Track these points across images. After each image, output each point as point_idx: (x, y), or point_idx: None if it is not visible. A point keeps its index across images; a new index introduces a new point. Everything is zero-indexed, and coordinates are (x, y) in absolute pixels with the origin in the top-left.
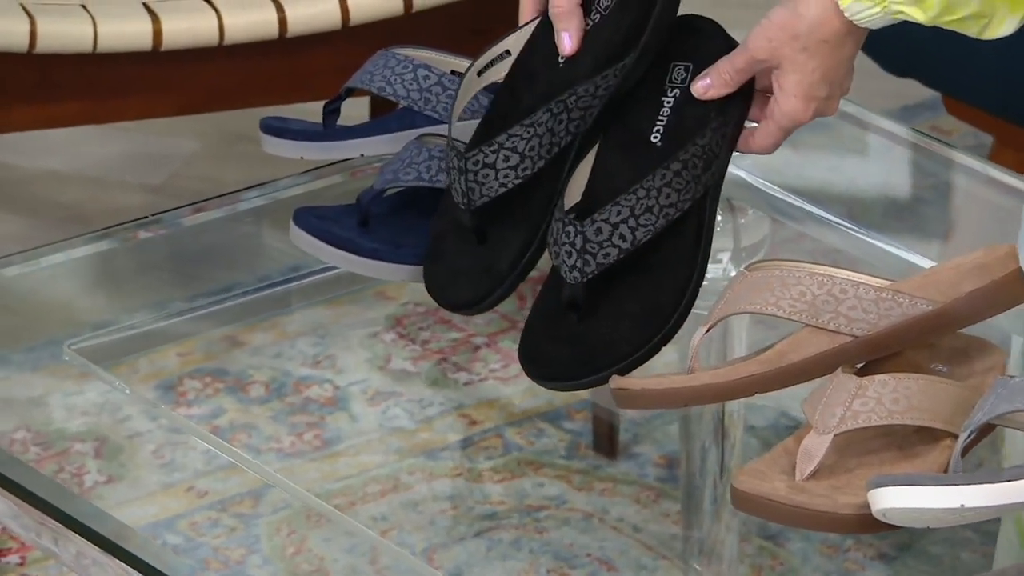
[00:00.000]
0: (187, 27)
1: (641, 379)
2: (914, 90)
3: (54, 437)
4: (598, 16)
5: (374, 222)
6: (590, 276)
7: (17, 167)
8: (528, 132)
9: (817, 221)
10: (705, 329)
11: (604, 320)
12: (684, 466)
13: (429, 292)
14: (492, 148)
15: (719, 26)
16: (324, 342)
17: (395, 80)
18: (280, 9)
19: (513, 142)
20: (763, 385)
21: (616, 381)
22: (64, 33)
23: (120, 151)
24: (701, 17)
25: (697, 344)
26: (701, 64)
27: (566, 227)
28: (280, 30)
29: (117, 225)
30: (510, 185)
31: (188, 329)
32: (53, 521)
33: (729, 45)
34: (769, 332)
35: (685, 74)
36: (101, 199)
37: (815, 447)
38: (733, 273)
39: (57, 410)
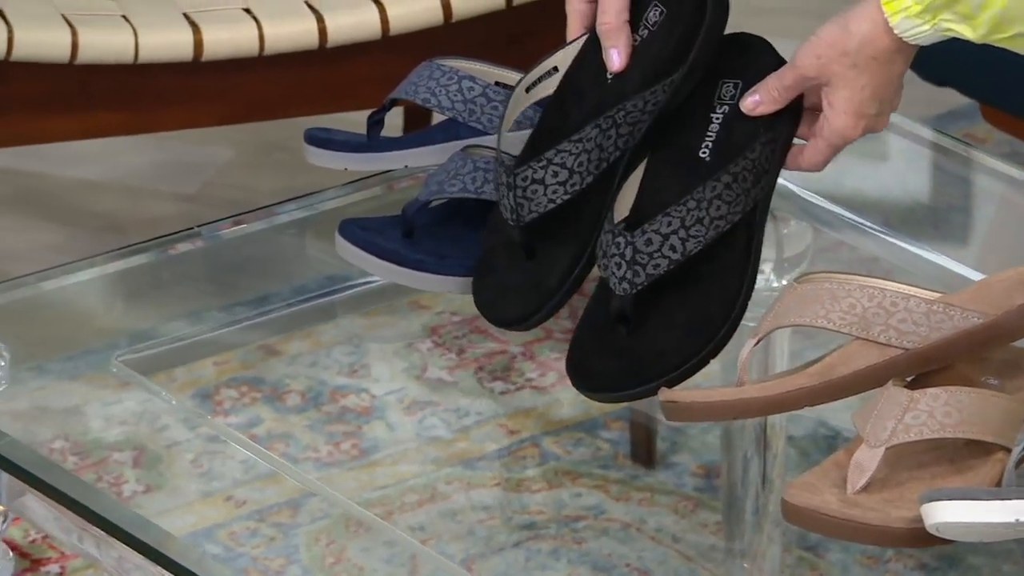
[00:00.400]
0: (228, 37)
1: (690, 392)
2: (948, 97)
3: (92, 446)
4: (646, 32)
5: (419, 234)
6: (639, 288)
7: (52, 176)
8: (577, 147)
9: (854, 229)
10: (754, 342)
11: (652, 332)
12: (726, 476)
13: (479, 308)
14: (541, 164)
15: (769, 43)
16: (360, 351)
17: (439, 91)
18: (320, 19)
19: (562, 157)
20: (813, 398)
21: (665, 394)
22: (105, 43)
23: (154, 160)
24: (751, 34)
25: (746, 357)
26: (751, 81)
27: (616, 238)
28: (320, 40)
29: (160, 237)
30: (559, 201)
31: (225, 339)
32: (95, 528)
33: (779, 62)
34: (807, 342)
35: (734, 91)
36: (136, 208)
37: (867, 460)
38: (776, 284)
39: (95, 419)
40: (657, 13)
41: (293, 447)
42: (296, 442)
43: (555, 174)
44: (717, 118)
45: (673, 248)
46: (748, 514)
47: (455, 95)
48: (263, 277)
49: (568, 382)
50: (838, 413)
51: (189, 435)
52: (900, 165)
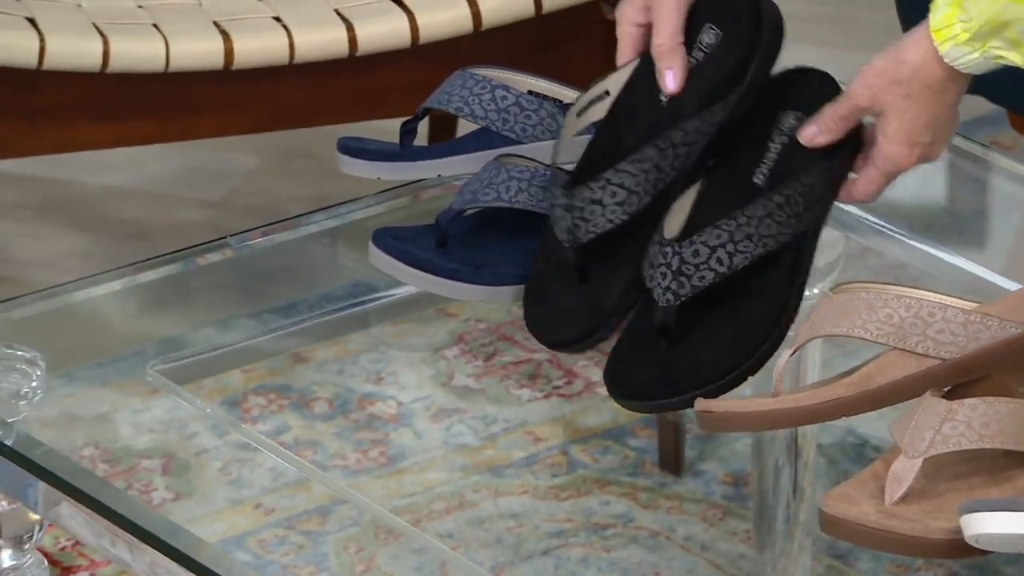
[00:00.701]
0: (259, 46)
1: (725, 402)
2: (974, 104)
3: (121, 454)
4: (701, 54)
5: (453, 243)
6: (683, 299)
7: (78, 183)
8: (636, 168)
9: (880, 234)
10: (790, 352)
11: (693, 345)
12: (756, 485)
13: (531, 331)
14: (599, 184)
15: (831, 77)
16: (386, 358)
17: (473, 100)
18: (351, 27)
19: (621, 177)
20: (850, 408)
21: (701, 404)
22: (137, 52)
23: (179, 167)
24: (814, 68)
25: (782, 367)
26: (810, 113)
27: (663, 248)
28: (350, 48)
29: (190, 247)
30: (617, 221)
31: (254, 347)
32: (129, 535)
33: (826, 80)
34: (837, 351)
35: (795, 123)
36: (162, 215)
37: (905, 471)
38: (808, 292)
39: (124, 427)
40: (713, 35)
41: (321, 454)
42: (324, 450)
43: (613, 194)
44: (775, 147)
45: (720, 261)
46: (779, 523)
47: (488, 104)
48: (290, 285)
49: (595, 390)
50: (867, 421)
51: (217, 442)
52: (926, 170)
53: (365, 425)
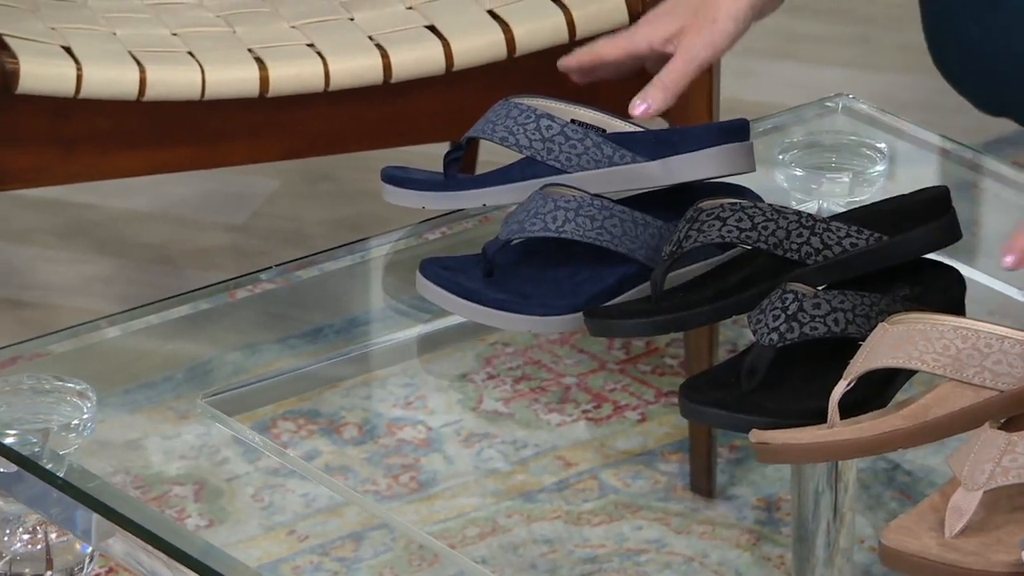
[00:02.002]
0: (294, 73)
1: (781, 432)
2: (999, 126)
3: (153, 480)
4: None
5: (499, 273)
6: (787, 343)
7: (101, 207)
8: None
9: None
10: (846, 383)
11: (774, 391)
12: (796, 510)
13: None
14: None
15: (959, 274)
16: (415, 382)
17: (517, 130)
18: (385, 55)
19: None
20: (907, 440)
21: (756, 435)
22: (173, 80)
23: (202, 191)
24: (945, 264)
25: (837, 398)
26: (927, 292)
27: (785, 295)
28: (385, 75)
29: (223, 281)
30: (731, 240)
31: (305, 375)
32: (183, 566)
33: (958, 280)
34: None
35: (908, 292)
36: (186, 239)
37: (965, 504)
38: None
39: (155, 453)
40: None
41: (352, 480)
42: (355, 475)
43: (740, 220)
44: (886, 301)
45: (836, 321)
46: (819, 548)
47: (533, 134)
48: (320, 311)
49: (623, 414)
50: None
51: (249, 468)
52: (958, 193)
53: (395, 450)
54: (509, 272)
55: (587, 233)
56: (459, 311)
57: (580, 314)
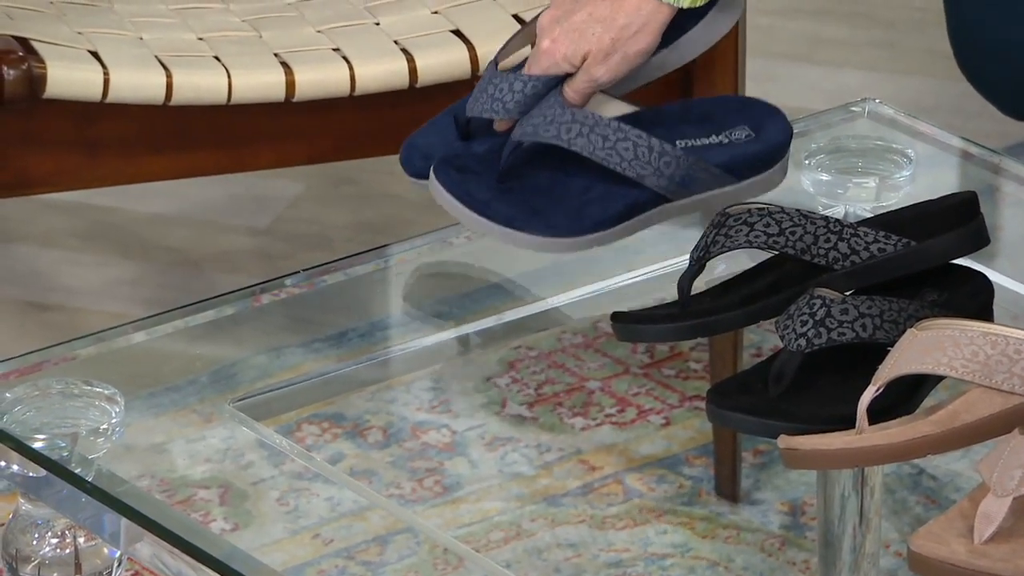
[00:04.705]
0: (320, 78)
1: (810, 438)
2: (1019, 129)
3: (178, 484)
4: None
5: (511, 175)
6: (815, 348)
7: (123, 210)
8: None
9: None
10: (874, 389)
11: (802, 397)
12: (822, 514)
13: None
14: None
15: (987, 279)
16: (439, 386)
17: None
18: (411, 59)
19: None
20: (936, 446)
21: (784, 441)
22: (199, 85)
23: (224, 194)
24: (972, 270)
25: (865, 404)
26: (953, 299)
27: (813, 300)
28: (411, 80)
29: (247, 287)
30: (758, 245)
31: (333, 379)
32: (212, 572)
33: (986, 285)
34: None
35: (936, 298)
36: (209, 242)
37: (995, 510)
38: None
39: (180, 457)
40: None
41: (376, 484)
42: (379, 479)
43: (767, 225)
44: (914, 307)
45: (864, 327)
46: (845, 552)
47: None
48: (344, 314)
49: (647, 418)
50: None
51: (274, 472)
52: (984, 198)
53: (419, 454)
54: (522, 176)
55: (597, 152)
56: (468, 223)
57: (583, 238)
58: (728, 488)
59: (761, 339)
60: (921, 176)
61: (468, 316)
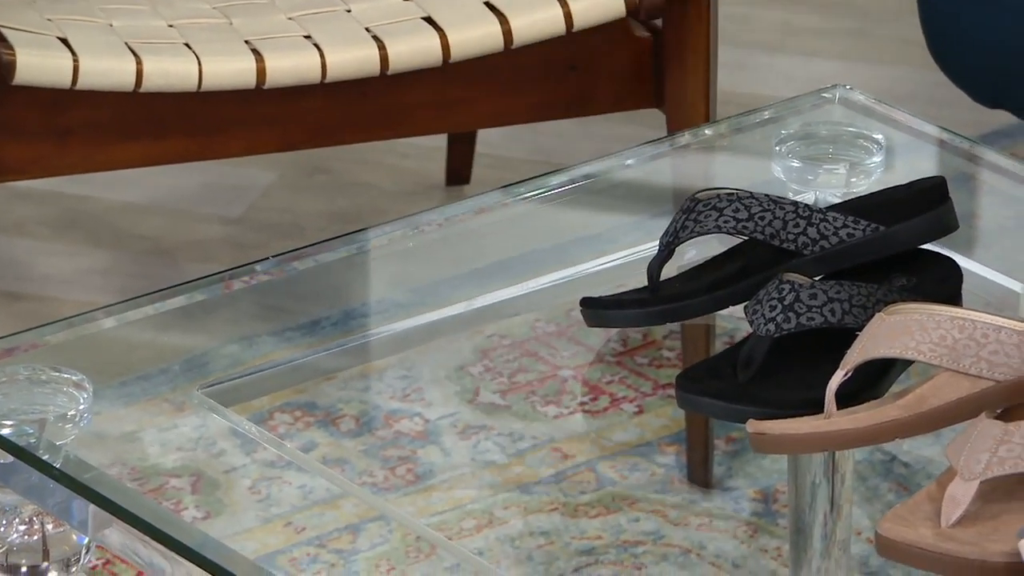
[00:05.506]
0: (291, 65)
1: (779, 423)
2: (991, 117)
3: (150, 472)
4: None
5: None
6: (784, 333)
7: (97, 199)
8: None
9: None
10: (843, 373)
11: (770, 383)
12: (793, 502)
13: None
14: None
15: (956, 264)
16: (412, 375)
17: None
18: (382, 46)
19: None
20: (904, 430)
21: (753, 425)
22: (170, 72)
23: (197, 183)
24: (942, 255)
25: (834, 388)
26: (922, 284)
27: (782, 285)
28: (382, 67)
29: (217, 273)
30: (728, 231)
31: (302, 365)
32: (183, 558)
33: (955, 271)
34: None
35: (905, 283)
36: (181, 231)
37: (962, 494)
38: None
39: (152, 445)
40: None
41: (349, 472)
42: (352, 467)
43: (736, 210)
44: (881, 291)
45: (832, 312)
46: (816, 540)
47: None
48: (316, 302)
49: (620, 406)
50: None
51: (246, 460)
52: (950, 182)
53: (392, 442)
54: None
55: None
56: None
57: None
58: (700, 476)
59: (735, 327)
60: (893, 163)
61: (439, 303)
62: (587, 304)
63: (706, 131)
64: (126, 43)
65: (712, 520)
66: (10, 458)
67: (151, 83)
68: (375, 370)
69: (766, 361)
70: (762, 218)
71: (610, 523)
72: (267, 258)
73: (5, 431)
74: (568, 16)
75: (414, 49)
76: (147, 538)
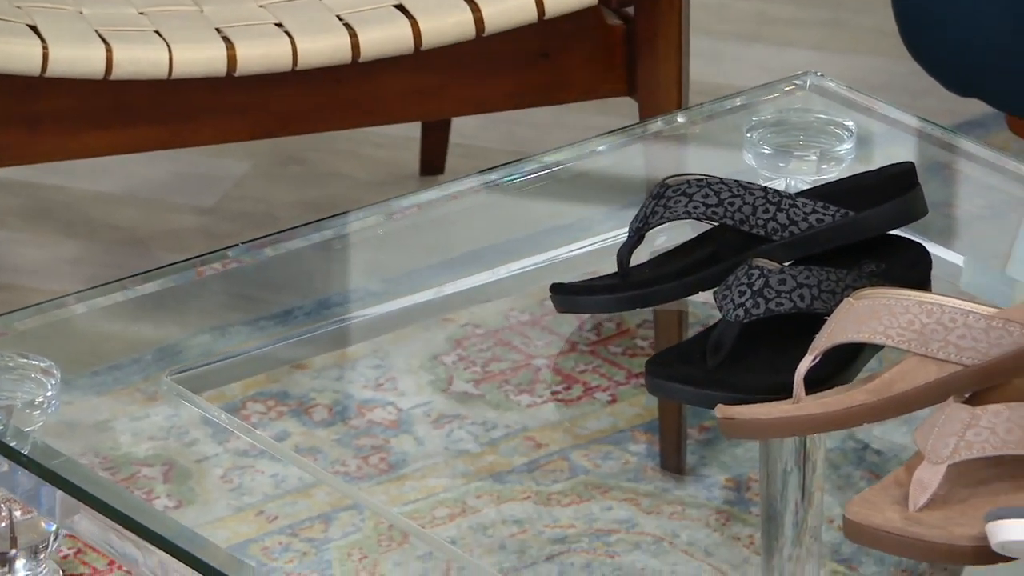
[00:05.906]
0: (261, 53)
1: (748, 408)
2: (964, 106)
3: (121, 461)
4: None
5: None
6: (753, 319)
7: (70, 189)
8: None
9: None
10: (811, 358)
11: (739, 369)
12: (764, 489)
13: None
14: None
15: (925, 249)
16: (385, 364)
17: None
18: (353, 34)
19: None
20: (872, 414)
21: (722, 410)
22: (140, 59)
23: (171, 172)
24: (911, 240)
25: (803, 373)
26: (892, 269)
27: (751, 270)
28: (353, 55)
29: (189, 259)
30: (698, 217)
31: (256, 354)
32: (153, 546)
33: (924, 256)
34: None
35: (874, 269)
36: (155, 221)
37: (929, 477)
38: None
39: (123, 435)
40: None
41: (322, 461)
42: (324, 456)
43: (706, 196)
44: (851, 277)
45: (801, 297)
46: (787, 527)
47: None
48: (288, 291)
49: (593, 395)
50: (864, 424)
51: (218, 449)
52: (922, 170)
53: (365, 432)
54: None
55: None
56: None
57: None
58: (673, 464)
59: (707, 315)
60: (864, 150)
61: (412, 290)
62: (557, 290)
63: (678, 118)
64: (96, 30)
65: (685, 508)
66: None
67: (121, 71)
68: (348, 359)
69: (735, 346)
70: (732, 204)
71: (583, 511)
72: (237, 244)
73: None
74: (540, 3)
75: (386, 37)
76: (118, 526)
